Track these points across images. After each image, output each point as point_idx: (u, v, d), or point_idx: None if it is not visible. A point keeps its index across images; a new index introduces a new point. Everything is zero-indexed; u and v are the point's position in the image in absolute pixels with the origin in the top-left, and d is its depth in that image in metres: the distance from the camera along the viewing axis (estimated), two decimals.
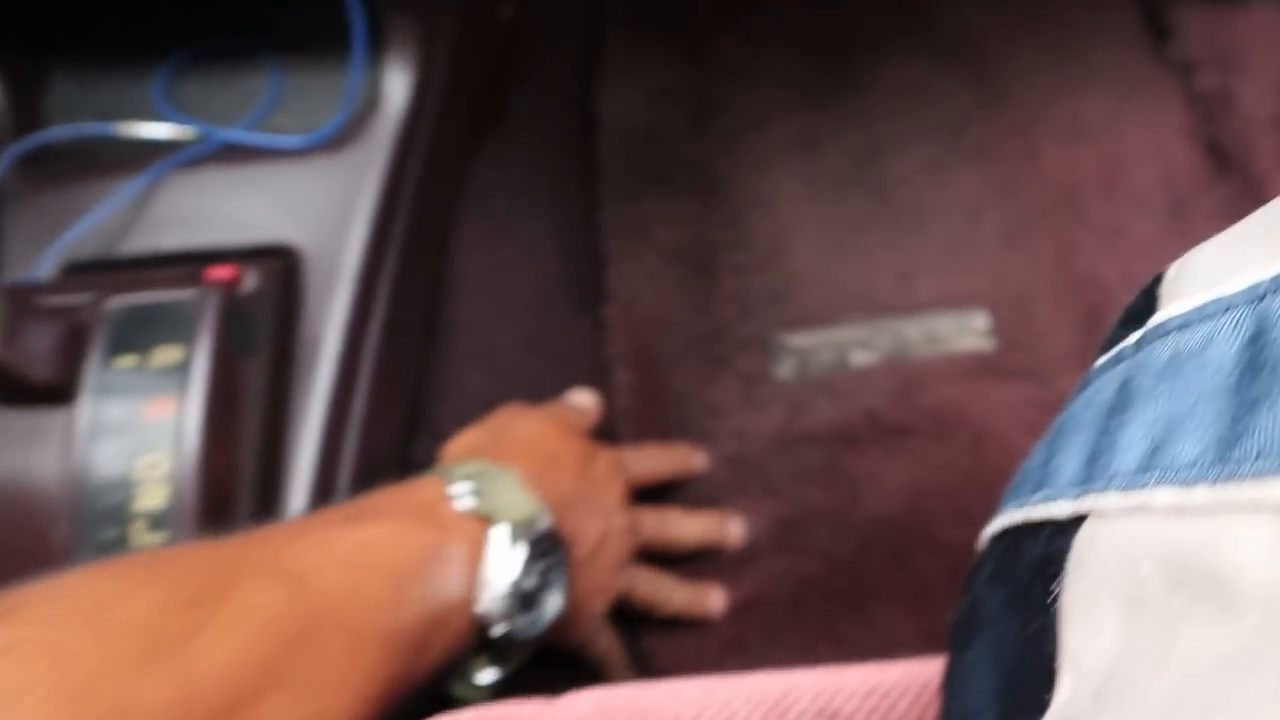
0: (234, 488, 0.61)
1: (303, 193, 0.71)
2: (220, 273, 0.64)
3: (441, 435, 0.80)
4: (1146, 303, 0.28)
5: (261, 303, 0.66)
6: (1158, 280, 0.28)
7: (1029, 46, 1.10)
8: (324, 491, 0.67)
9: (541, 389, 0.87)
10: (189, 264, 0.67)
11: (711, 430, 0.93)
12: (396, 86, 0.72)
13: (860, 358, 0.96)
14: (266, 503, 0.64)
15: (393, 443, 0.73)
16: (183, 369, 0.60)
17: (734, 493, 0.91)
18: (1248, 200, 0.96)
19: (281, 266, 0.69)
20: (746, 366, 0.96)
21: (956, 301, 0.97)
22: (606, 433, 0.94)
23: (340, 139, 0.72)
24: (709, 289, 0.99)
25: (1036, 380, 0.92)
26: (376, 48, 0.73)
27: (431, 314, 0.80)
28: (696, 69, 1.08)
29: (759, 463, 0.91)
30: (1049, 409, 0.88)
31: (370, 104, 0.72)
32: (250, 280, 0.66)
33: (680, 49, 1.09)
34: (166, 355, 0.59)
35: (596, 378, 0.96)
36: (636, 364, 0.96)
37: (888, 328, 0.97)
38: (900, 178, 1.03)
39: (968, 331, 0.96)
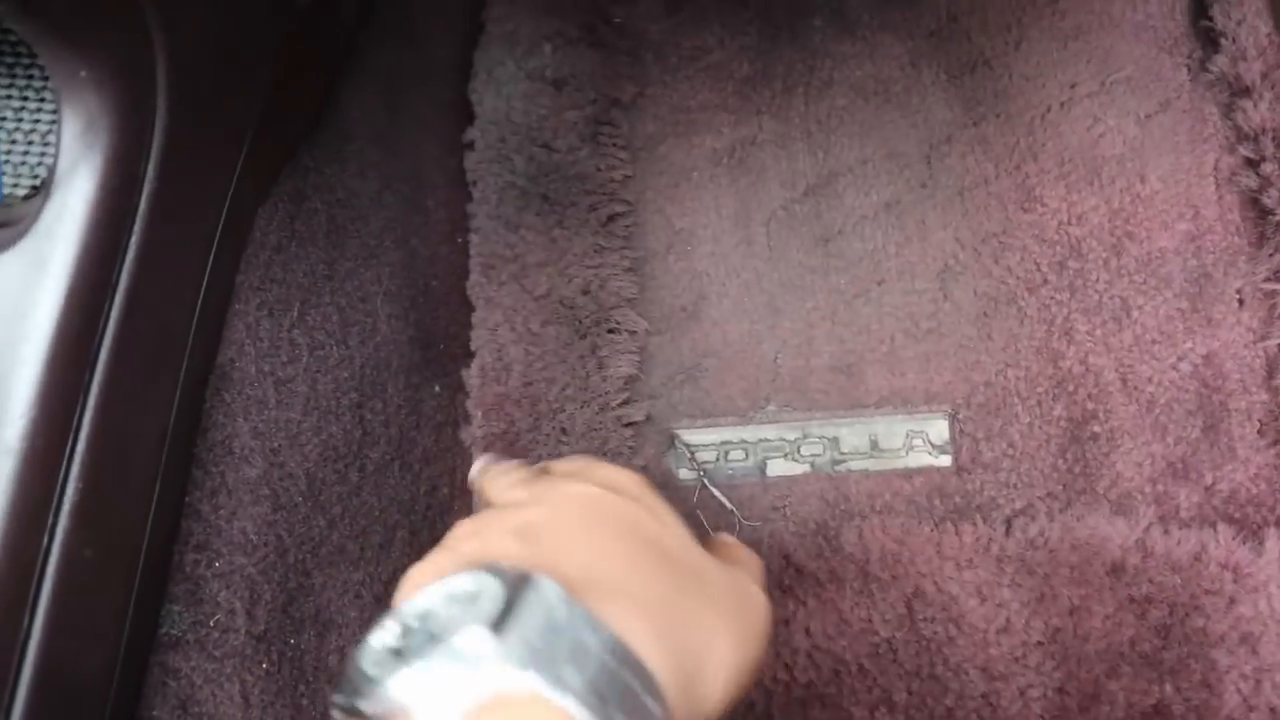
0: None
1: None
2: None
3: (202, 602, 0.59)
4: None
5: None
6: None
7: (1039, 36, 0.85)
8: None
9: (351, 516, 0.66)
10: None
11: None
12: (81, 157, 0.47)
13: (781, 467, 0.76)
14: None
15: (103, 659, 0.53)
16: None
17: None
18: None
19: None
20: (635, 469, 0.75)
21: (910, 402, 0.76)
22: None
23: (3, 230, 0.48)
24: (595, 362, 0.76)
25: (997, 519, 0.72)
26: (38, 103, 0.48)
27: (185, 442, 0.58)
28: (599, 51, 0.82)
29: None
30: (1004, 564, 0.69)
31: (46, 184, 0.47)
32: None
33: (580, 22, 0.82)
34: None
35: (442, 467, 0.75)
36: (499, 455, 0.75)
37: (820, 431, 0.76)
38: (856, 219, 0.80)
39: (920, 443, 0.75)
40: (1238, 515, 0.74)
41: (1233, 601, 0.70)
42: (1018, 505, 0.73)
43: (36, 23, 0.42)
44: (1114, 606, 0.70)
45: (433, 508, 0.73)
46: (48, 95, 0.50)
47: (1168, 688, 0.69)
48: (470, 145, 0.81)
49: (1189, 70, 0.82)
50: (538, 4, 0.82)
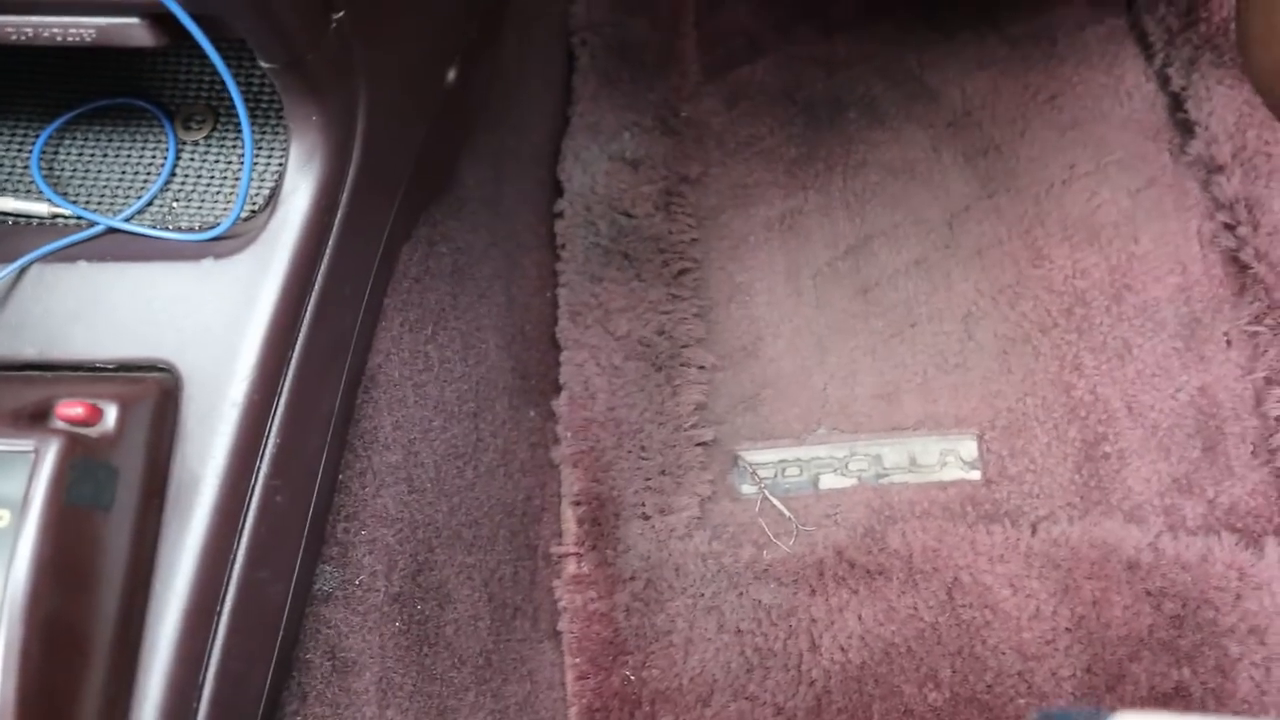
0: (74, 691, 0.51)
1: (188, 300, 0.61)
2: (71, 412, 0.54)
3: (349, 564, 0.70)
4: None
5: (124, 443, 0.56)
6: None
7: (1041, 126, 1.00)
8: (190, 661, 0.57)
9: (466, 507, 0.77)
10: (39, 386, 0.57)
11: (665, 557, 0.84)
12: (300, 183, 0.61)
13: (832, 481, 0.86)
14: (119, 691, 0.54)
15: (281, 594, 0.64)
16: (7, 536, 0.49)
17: (690, 626, 0.81)
18: (1268, 328, 0.87)
19: (156, 391, 0.59)
20: (704, 483, 0.86)
21: (943, 425, 0.87)
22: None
23: (234, 239, 0.62)
24: (670, 391, 0.89)
25: (1023, 523, 0.82)
26: (275, 137, 0.62)
27: (343, 428, 0.70)
28: (670, 138, 0.98)
29: (714, 601, 0.81)
30: (1031, 560, 0.79)
31: (269, 202, 0.62)
32: (110, 418, 0.55)
33: (654, 115, 0.98)
34: None
35: (535, 481, 0.86)
36: (586, 469, 0.86)
37: (865, 450, 0.87)
38: (890, 273, 0.93)
39: (953, 460, 0.86)
40: (1239, 525, 0.83)
41: (1239, 597, 0.79)
42: (1041, 512, 0.83)
43: (295, 80, 0.57)
44: (1131, 598, 0.79)
45: (527, 515, 0.84)
46: (267, 135, 0.65)
47: (1185, 672, 0.77)
48: (560, 214, 0.96)
49: (1170, 153, 0.97)
50: (618, 100, 0.99)
